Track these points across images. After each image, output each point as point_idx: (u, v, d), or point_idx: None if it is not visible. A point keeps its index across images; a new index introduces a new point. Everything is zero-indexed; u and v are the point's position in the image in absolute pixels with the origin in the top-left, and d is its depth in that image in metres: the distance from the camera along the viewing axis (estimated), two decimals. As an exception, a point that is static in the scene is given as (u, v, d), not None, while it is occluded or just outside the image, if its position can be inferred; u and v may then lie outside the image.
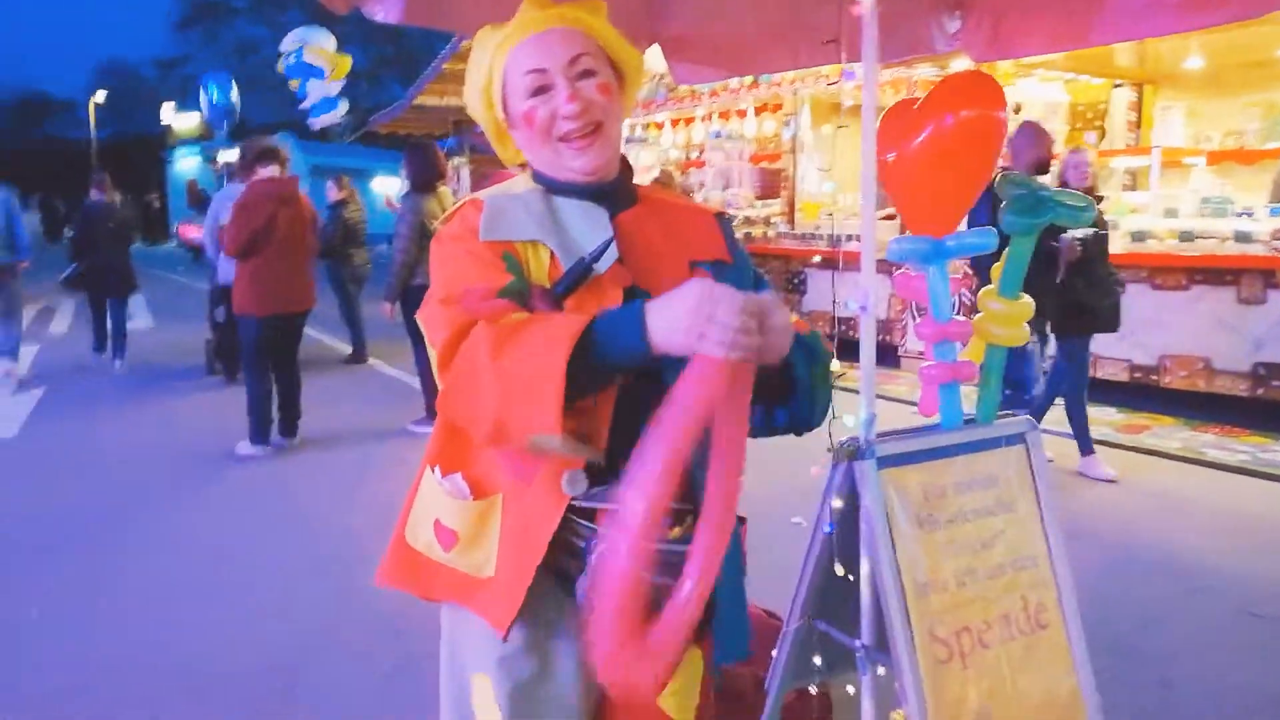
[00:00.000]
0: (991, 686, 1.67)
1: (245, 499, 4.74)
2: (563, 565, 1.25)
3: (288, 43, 8.69)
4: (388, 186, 11.51)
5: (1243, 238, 5.71)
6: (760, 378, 1.10)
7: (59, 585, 3.67)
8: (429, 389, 5.85)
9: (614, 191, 1.32)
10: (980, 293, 1.74)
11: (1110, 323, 4.80)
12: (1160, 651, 2.96)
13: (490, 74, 1.30)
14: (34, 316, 12.62)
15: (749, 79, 8.96)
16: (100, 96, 37.23)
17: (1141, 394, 6.26)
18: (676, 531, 1.23)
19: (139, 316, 12.23)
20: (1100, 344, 6.40)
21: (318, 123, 8.76)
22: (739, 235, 8.90)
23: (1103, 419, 5.92)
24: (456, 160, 10.71)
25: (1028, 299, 1.72)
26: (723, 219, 1.42)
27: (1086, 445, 4.83)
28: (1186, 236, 5.94)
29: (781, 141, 9.80)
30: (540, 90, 1.25)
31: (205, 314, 8.08)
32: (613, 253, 1.23)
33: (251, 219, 5.29)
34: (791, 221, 9.28)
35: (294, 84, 8.67)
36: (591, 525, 1.22)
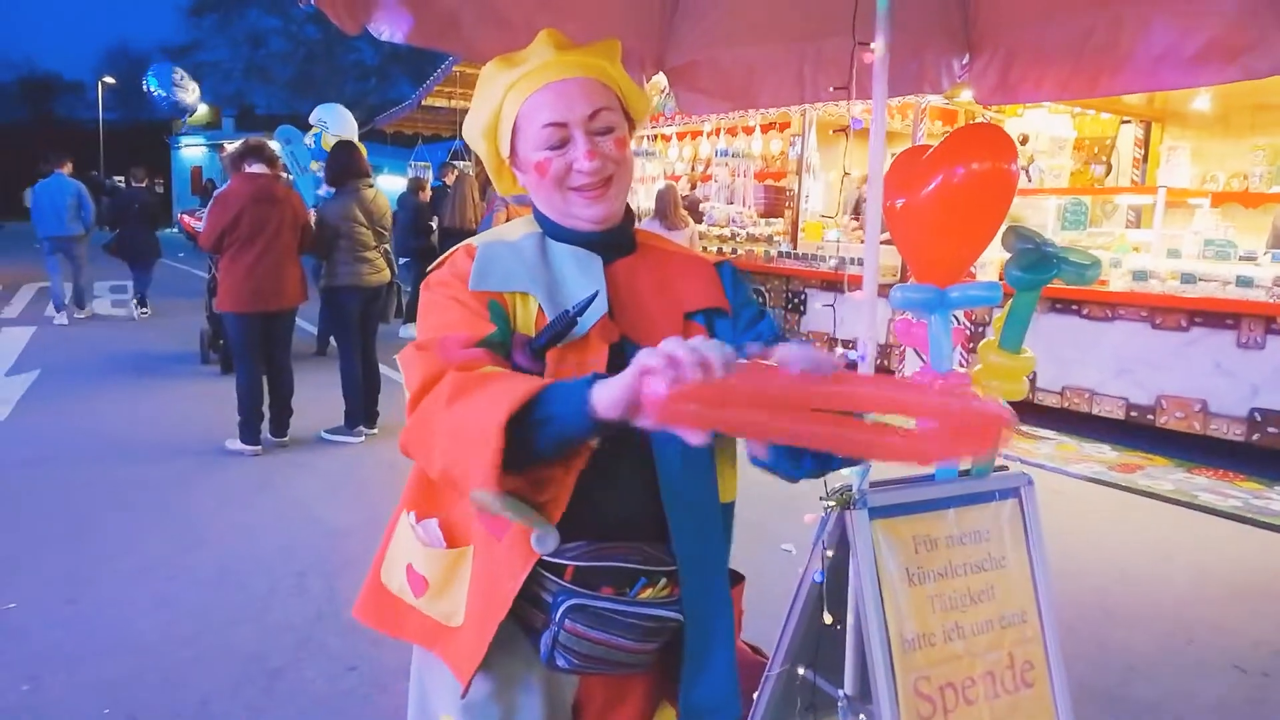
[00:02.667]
0: (974, 744, 1.65)
1: (233, 495, 4.71)
2: (530, 619, 1.22)
3: (314, 116, 9.44)
4: (395, 185, 11.56)
5: (1244, 282, 5.70)
6: None
7: (38, 575, 3.64)
8: (350, 397, 5.79)
9: (613, 238, 1.30)
10: (980, 345, 1.72)
11: None
12: (1146, 703, 2.94)
13: (499, 114, 1.26)
14: (31, 298, 12.61)
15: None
16: (109, 79, 37.19)
17: (1136, 433, 6.25)
18: (648, 593, 1.20)
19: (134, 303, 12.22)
20: (1096, 381, 6.44)
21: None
22: (742, 252, 8.67)
23: (1096, 456, 5.93)
24: (462, 164, 10.68)
25: (1029, 353, 1.70)
26: (723, 267, 1.40)
27: None
28: (1188, 278, 5.93)
29: (788, 160, 9.80)
30: (559, 144, 1.22)
31: (203, 302, 8.09)
32: (600, 305, 1.20)
33: (221, 215, 5.31)
34: (794, 241, 9.27)
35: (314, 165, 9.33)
36: (559, 581, 1.19)
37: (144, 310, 11.21)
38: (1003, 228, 1.66)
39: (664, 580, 1.21)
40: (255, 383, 5.47)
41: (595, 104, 1.23)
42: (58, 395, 6.88)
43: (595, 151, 1.22)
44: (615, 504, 1.22)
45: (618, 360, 1.17)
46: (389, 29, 1.89)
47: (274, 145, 5.76)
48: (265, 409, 5.57)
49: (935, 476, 1.71)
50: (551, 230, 1.29)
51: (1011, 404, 1.84)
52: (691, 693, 1.26)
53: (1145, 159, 8.65)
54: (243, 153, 5.55)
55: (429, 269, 1.29)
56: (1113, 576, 3.92)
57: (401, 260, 8.93)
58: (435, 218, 9.97)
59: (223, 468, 5.20)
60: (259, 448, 5.45)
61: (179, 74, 11.14)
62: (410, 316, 10.37)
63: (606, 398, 0.96)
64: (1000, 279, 1.74)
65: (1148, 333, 6.13)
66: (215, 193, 7.64)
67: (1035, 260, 1.61)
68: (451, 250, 1.29)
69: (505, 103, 1.25)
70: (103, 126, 36.83)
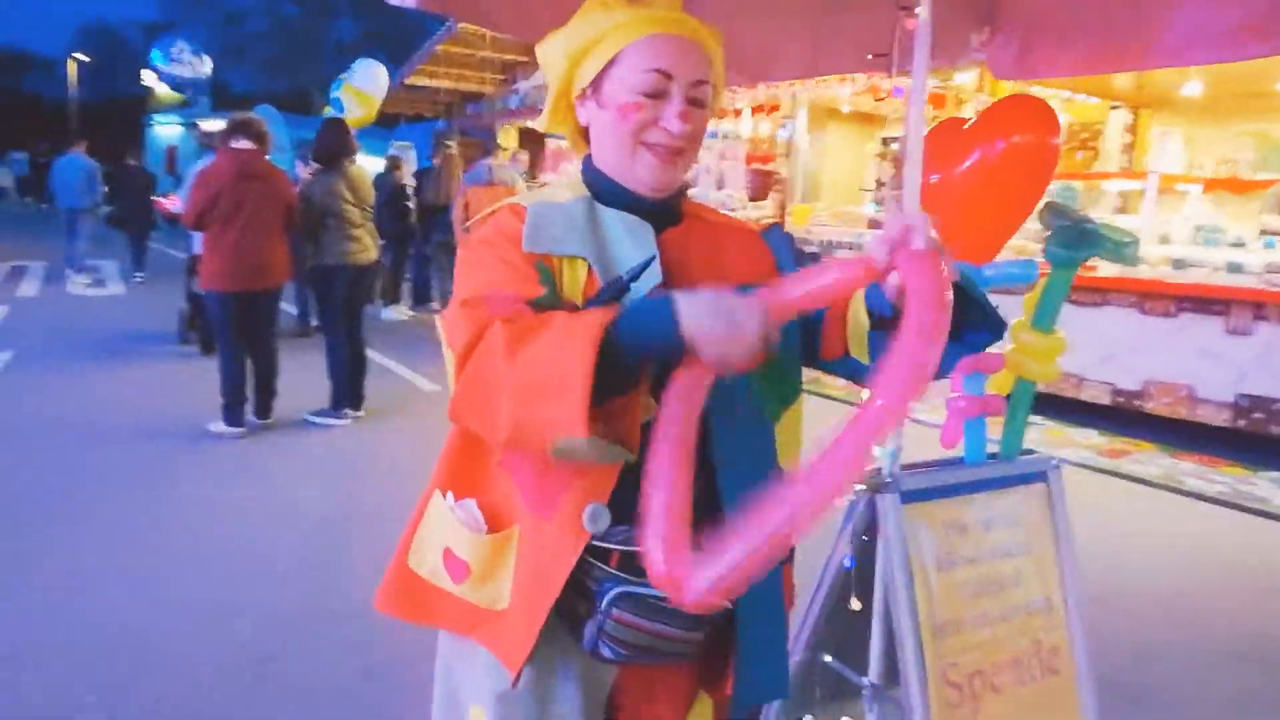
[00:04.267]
0: (1001, 732, 1.62)
1: (218, 479, 4.61)
2: (573, 606, 1.16)
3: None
4: (374, 165, 11.41)
5: (1234, 268, 5.72)
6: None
7: (17, 561, 3.54)
8: (336, 379, 5.68)
9: (665, 207, 1.25)
10: (1012, 324, 1.68)
11: None
12: (1160, 691, 2.92)
13: (596, 44, 1.20)
14: (4, 275, 12.35)
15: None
16: (82, 56, 36.48)
17: (1123, 418, 6.27)
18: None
19: (110, 283, 12.03)
20: (1082, 366, 6.45)
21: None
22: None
23: (1083, 442, 5.94)
24: (447, 142, 10.53)
25: (1061, 333, 1.66)
26: (771, 234, 1.34)
27: None
28: (1179, 264, 5.95)
29: (776, 143, 9.74)
30: (655, 93, 1.17)
31: (182, 281, 7.93)
32: (654, 273, 1.14)
33: (203, 191, 5.18)
34: (782, 224, 9.23)
35: (325, 109, 9.50)
36: (605, 567, 1.13)
37: (140, 276, 11.99)
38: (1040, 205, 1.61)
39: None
40: (238, 363, 5.36)
41: (701, 71, 1.20)
42: (33, 378, 6.71)
43: (688, 115, 1.18)
44: None
45: None
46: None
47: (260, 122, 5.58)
48: (249, 391, 5.46)
49: (965, 459, 1.67)
50: (604, 191, 1.23)
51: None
52: (744, 675, 1.21)
53: (1133, 146, 8.66)
54: (230, 128, 5.41)
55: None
56: (1110, 565, 3.91)
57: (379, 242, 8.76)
58: (414, 199, 9.82)
59: (207, 450, 5.09)
60: (243, 429, 5.35)
61: (179, 48, 11.49)
62: (391, 299, 10.21)
63: (697, 334, 0.97)
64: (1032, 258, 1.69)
65: (1136, 318, 6.14)
66: (195, 169, 7.49)
67: (1075, 237, 1.56)
68: (493, 209, 1.23)
69: (611, 33, 1.19)
70: (75, 104, 36.12)
